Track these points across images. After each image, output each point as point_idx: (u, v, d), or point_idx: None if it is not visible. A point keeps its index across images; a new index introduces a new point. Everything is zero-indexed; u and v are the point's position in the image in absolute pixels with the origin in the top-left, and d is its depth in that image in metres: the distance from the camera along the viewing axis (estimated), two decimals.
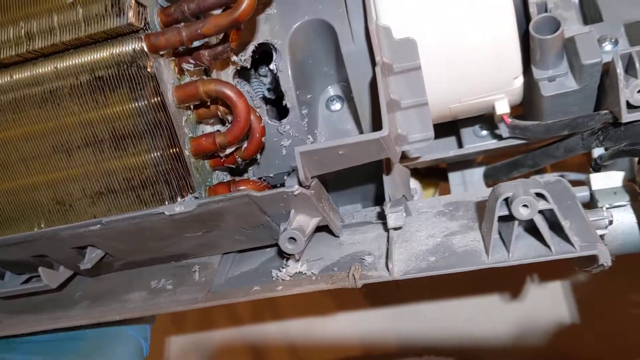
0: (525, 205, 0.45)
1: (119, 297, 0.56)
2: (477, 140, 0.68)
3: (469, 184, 0.75)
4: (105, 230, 0.51)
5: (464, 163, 0.77)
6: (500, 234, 0.49)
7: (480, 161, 0.76)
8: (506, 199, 0.46)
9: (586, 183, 0.57)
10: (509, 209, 0.45)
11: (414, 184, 0.75)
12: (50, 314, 0.56)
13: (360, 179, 0.64)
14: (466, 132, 0.70)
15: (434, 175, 0.86)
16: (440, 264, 0.48)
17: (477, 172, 0.76)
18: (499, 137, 0.67)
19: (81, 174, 0.53)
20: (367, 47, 0.53)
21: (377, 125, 0.55)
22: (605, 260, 0.45)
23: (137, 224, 0.50)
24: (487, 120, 0.69)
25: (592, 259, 0.46)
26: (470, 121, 0.70)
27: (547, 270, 0.90)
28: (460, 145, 0.70)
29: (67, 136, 0.52)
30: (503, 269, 0.47)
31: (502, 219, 0.47)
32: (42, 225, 0.55)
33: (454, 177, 0.77)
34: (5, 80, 0.51)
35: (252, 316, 1.14)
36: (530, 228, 0.48)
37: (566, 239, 0.46)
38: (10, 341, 0.60)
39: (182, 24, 0.49)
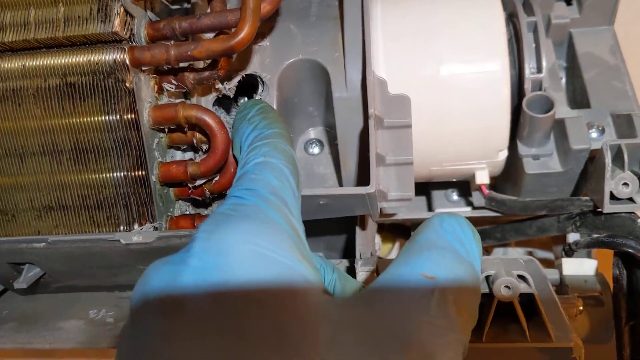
0: (507, 287, 0.43)
1: (52, 324, 0.51)
2: (448, 205, 0.67)
3: None
4: (49, 250, 0.46)
5: None
6: None
7: None
8: (487, 277, 0.44)
9: (556, 266, 0.57)
10: (490, 288, 0.43)
11: (376, 238, 0.72)
12: None
13: (328, 228, 0.62)
14: (437, 195, 0.68)
15: (393, 230, 0.84)
16: None
17: None
18: (470, 204, 0.66)
19: (32, 184, 0.48)
20: (360, 97, 0.51)
21: (360, 177, 0.53)
22: (579, 354, 0.44)
23: (86, 248, 0.46)
24: (459, 185, 0.69)
25: (566, 351, 0.45)
26: (442, 184, 0.69)
27: None
28: (430, 206, 0.68)
29: (23, 140, 0.47)
30: None
31: None
32: None
33: None
34: None
35: None
36: (505, 308, 0.47)
37: (543, 326, 0.44)
38: None
39: (172, 42, 0.45)
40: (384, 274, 0.33)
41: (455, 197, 0.68)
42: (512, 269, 0.44)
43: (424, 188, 0.69)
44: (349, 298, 0.33)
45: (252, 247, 0.32)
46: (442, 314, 0.31)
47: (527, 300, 0.46)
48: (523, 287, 0.43)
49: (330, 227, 0.62)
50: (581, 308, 0.51)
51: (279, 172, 0.39)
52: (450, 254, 0.34)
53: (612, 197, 0.50)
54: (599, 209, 0.51)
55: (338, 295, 0.43)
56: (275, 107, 0.52)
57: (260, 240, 0.32)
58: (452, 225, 0.35)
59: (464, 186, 0.68)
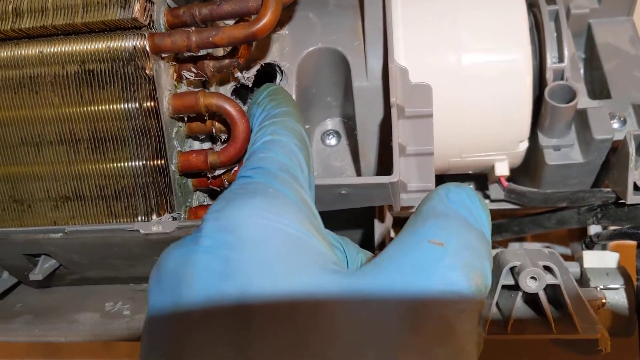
0: (533, 278, 0.42)
1: (67, 316, 0.50)
2: None
3: None
4: (66, 240, 0.45)
5: None
6: (497, 303, 0.46)
7: None
8: (512, 268, 0.43)
9: (576, 259, 0.56)
10: (515, 279, 0.43)
11: (391, 232, 0.72)
12: None
13: (343, 222, 0.61)
14: None
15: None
16: None
17: None
18: (487, 197, 0.66)
19: (49, 173, 0.47)
20: (381, 86, 0.50)
21: (380, 168, 0.52)
22: (605, 345, 0.43)
23: (104, 238, 0.45)
24: (475, 178, 0.68)
25: (590, 343, 0.44)
26: (458, 177, 0.68)
27: None
28: None
29: (40, 129, 0.46)
30: None
31: (503, 288, 0.44)
32: None
33: None
34: None
35: None
36: (529, 300, 0.46)
37: (568, 318, 0.43)
38: None
39: (192, 28, 0.45)
40: (391, 245, 0.33)
41: None
42: (537, 260, 0.43)
43: (440, 181, 0.68)
44: (359, 271, 0.32)
45: (262, 221, 0.31)
46: (455, 281, 0.30)
47: (551, 291, 0.45)
48: (549, 278, 0.43)
49: (346, 222, 0.61)
50: (604, 301, 0.50)
51: (287, 150, 0.39)
52: (457, 220, 0.33)
53: (636, 187, 0.50)
54: (622, 201, 0.51)
55: None
56: (293, 97, 0.51)
57: (270, 213, 0.32)
58: (458, 194, 0.35)
59: (481, 179, 0.67)
